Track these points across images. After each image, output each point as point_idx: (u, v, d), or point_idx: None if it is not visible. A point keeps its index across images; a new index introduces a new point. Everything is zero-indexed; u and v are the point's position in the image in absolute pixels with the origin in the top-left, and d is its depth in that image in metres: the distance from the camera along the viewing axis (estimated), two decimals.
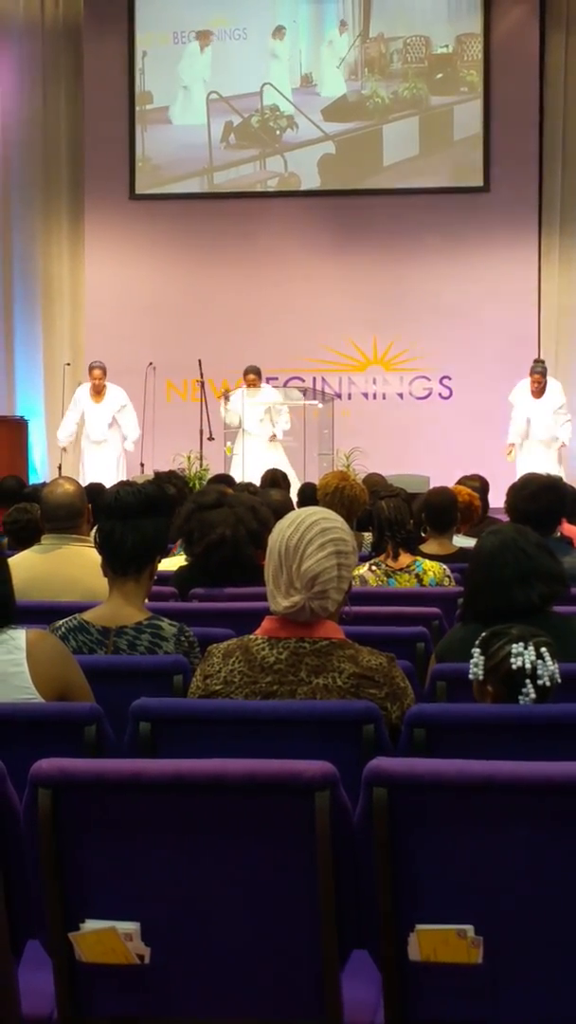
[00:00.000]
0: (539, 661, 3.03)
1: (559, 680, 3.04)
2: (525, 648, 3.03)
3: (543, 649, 3.04)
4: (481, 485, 7.97)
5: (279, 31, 15.62)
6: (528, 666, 3.02)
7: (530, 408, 13.38)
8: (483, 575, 3.79)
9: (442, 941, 2.33)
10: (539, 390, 13.36)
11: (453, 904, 2.34)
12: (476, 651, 3.10)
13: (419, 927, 2.34)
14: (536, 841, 2.32)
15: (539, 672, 3.03)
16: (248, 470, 12.52)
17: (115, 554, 3.96)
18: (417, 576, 5.76)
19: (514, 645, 3.04)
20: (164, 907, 2.41)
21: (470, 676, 3.12)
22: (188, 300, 15.46)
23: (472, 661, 3.10)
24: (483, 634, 3.14)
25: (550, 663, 3.03)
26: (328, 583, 3.15)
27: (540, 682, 3.02)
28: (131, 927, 2.38)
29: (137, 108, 15.83)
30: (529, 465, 12.39)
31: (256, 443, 13.43)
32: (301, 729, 3.04)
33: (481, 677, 3.09)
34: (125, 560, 3.95)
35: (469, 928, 2.32)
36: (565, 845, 2.32)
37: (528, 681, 3.03)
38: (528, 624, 3.35)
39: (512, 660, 3.03)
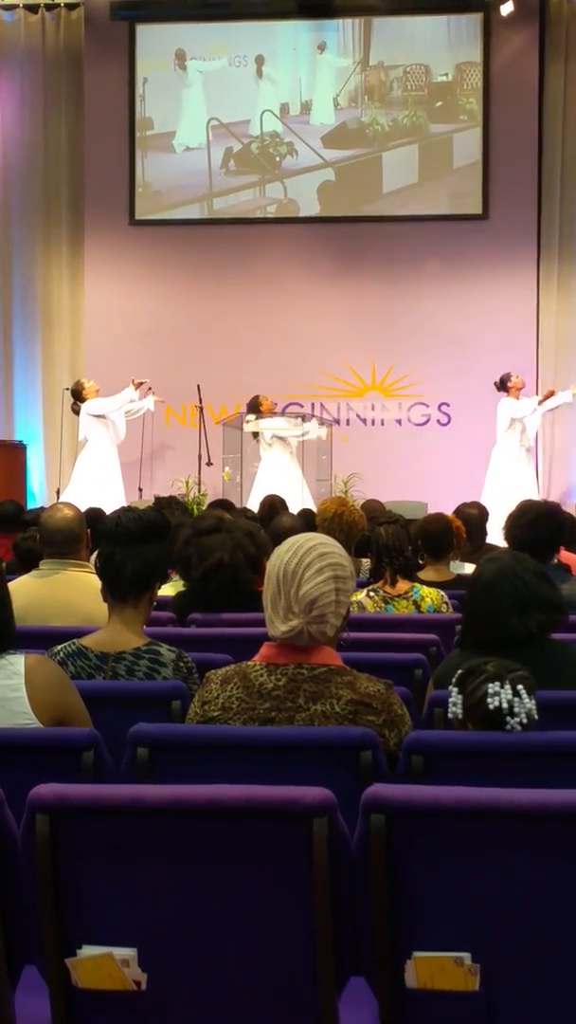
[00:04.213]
0: (516, 699, 3.01)
1: (536, 717, 3.02)
2: (502, 687, 3.00)
3: (520, 686, 3.01)
4: (480, 512, 7.96)
5: (279, 59, 15.69)
6: (505, 706, 3.00)
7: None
8: (481, 603, 3.78)
9: (439, 968, 2.32)
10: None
11: (450, 931, 2.34)
12: (454, 691, 3.08)
13: (416, 954, 2.33)
14: (534, 868, 2.32)
15: (516, 710, 3.00)
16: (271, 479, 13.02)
17: (115, 580, 3.96)
18: (415, 602, 5.76)
19: (490, 685, 3.01)
20: (161, 933, 2.40)
21: (449, 716, 3.10)
22: (187, 325, 15.49)
23: (451, 700, 3.08)
24: (459, 672, 3.11)
25: (527, 700, 3.00)
26: (326, 607, 3.16)
27: (517, 719, 3.00)
28: (128, 953, 2.38)
29: (137, 134, 15.88)
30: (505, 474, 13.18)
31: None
32: (299, 755, 3.04)
33: (460, 716, 3.07)
34: (125, 586, 3.95)
35: (466, 955, 2.31)
36: (563, 872, 2.32)
37: (508, 718, 3.01)
38: (526, 652, 3.35)
39: (489, 700, 3.00)
